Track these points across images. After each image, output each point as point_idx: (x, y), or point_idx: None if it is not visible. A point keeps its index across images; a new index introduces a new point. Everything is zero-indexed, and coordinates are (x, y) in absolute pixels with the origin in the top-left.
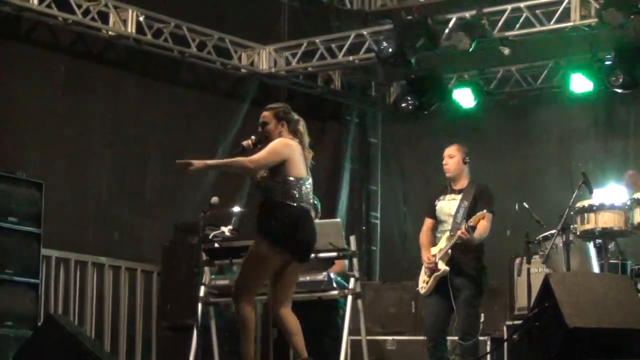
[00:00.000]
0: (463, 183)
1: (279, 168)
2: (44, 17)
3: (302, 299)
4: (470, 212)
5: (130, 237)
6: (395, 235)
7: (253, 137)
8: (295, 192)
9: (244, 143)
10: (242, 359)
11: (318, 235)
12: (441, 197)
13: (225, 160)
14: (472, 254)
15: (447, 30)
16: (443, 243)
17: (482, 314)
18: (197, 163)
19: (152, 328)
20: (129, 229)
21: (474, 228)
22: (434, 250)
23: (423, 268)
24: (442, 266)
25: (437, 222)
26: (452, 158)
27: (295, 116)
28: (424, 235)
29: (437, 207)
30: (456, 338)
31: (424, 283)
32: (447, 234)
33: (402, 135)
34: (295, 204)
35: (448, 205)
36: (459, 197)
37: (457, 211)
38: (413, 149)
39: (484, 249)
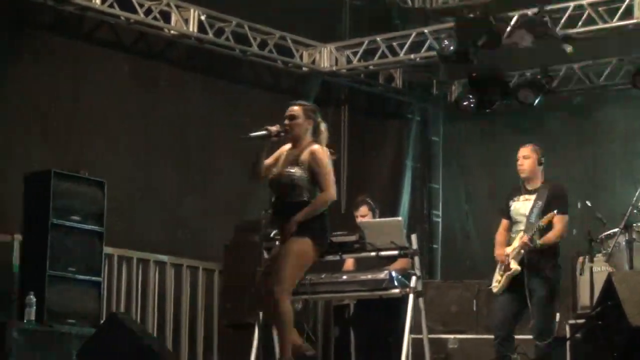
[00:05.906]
0: (537, 183)
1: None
2: (107, 17)
3: (364, 298)
4: (544, 212)
5: (192, 236)
6: (457, 233)
7: (279, 125)
8: None
9: (271, 128)
10: (287, 349)
11: (380, 234)
12: (515, 198)
13: (309, 208)
14: (549, 255)
15: (509, 28)
16: (516, 243)
17: (558, 314)
18: (292, 225)
19: (214, 326)
20: (192, 228)
21: (543, 231)
22: (508, 249)
23: (497, 267)
24: (514, 265)
25: (512, 222)
26: (527, 159)
27: (321, 120)
28: (499, 235)
29: (511, 208)
30: (530, 337)
31: (496, 282)
32: (521, 234)
33: (464, 134)
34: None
35: (522, 206)
36: (533, 197)
37: (531, 211)
38: (475, 147)
39: (559, 250)
